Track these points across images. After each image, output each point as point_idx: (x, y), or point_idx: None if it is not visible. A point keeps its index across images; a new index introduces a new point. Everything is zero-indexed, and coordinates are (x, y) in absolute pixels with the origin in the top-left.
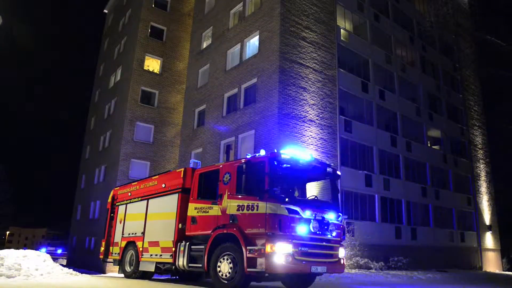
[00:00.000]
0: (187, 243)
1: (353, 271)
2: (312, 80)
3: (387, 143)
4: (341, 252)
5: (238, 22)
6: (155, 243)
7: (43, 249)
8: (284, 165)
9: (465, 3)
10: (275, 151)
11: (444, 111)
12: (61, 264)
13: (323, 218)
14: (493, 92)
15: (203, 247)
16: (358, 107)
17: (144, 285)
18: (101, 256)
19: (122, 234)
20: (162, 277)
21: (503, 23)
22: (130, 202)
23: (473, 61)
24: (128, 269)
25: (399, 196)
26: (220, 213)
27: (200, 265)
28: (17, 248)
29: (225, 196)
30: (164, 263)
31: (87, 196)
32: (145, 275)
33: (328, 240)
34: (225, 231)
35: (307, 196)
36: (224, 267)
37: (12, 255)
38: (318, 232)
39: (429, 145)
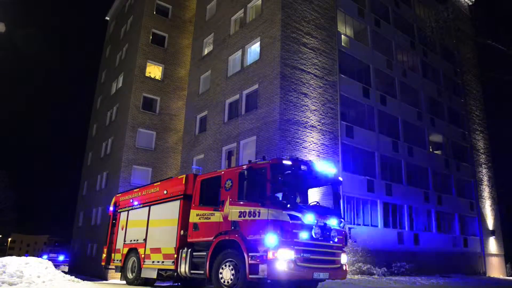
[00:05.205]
0: (189, 250)
1: (356, 277)
2: (313, 86)
3: (389, 148)
4: (343, 258)
5: (239, 29)
6: (157, 250)
7: (45, 256)
8: (286, 171)
9: (465, 8)
10: (277, 157)
11: (445, 116)
12: (63, 271)
13: (325, 224)
14: (495, 97)
15: (205, 253)
16: (359, 112)
17: None
18: (103, 263)
19: (124, 240)
20: (164, 284)
21: (504, 27)
22: (132, 209)
23: (474, 65)
24: (130, 276)
25: (401, 201)
26: (222, 220)
27: (202, 272)
28: (19, 255)
29: (227, 203)
30: (166, 270)
31: (89, 202)
32: (147, 282)
33: (330, 246)
34: (227, 238)
35: (309, 202)
36: (226, 273)
37: (14, 262)
38: (320, 238)
39: (430, 150)
